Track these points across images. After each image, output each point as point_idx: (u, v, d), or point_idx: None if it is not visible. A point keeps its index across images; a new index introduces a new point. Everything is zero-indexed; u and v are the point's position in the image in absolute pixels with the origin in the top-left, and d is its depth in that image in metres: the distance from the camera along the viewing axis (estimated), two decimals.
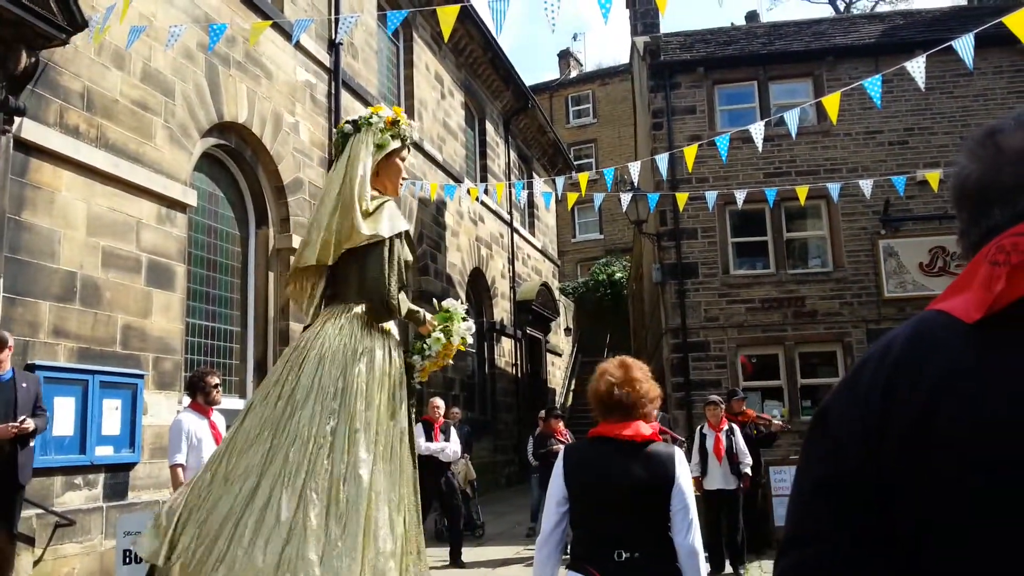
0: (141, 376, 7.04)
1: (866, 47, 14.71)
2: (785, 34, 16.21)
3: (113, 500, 6.74)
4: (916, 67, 6.53)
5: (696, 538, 2.77)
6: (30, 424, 5.49)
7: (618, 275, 28.76)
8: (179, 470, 5.86)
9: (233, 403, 8.45)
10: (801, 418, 13.49)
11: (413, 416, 3.51)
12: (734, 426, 8.81)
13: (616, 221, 30.81)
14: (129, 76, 7.19)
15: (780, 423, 10.01)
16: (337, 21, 10.14)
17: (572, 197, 10.83)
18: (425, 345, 3.44)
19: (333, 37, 10.48)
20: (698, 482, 8.25)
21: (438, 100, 14.27)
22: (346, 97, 10.80)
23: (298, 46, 9.54)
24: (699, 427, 9.05)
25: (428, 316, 3.55)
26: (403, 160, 3.84)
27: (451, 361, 3.59)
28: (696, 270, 14.22)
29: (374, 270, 3.48)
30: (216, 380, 6.15)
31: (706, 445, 8.60)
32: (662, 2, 5.93)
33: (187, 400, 6.64)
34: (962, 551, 0.79)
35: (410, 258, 3.66)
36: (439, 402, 10.00)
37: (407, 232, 3.65)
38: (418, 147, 13.10)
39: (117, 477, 6.83)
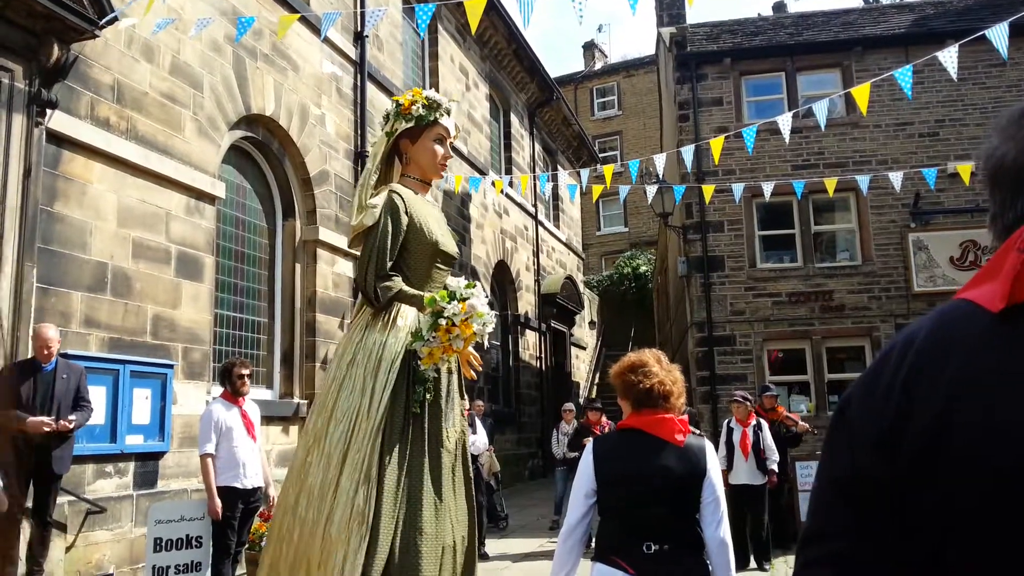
0: (171, 366, 7.12)
1: (895, 37, 14.50)
2: (813, 24, 16.02)
3: (143, 488, 6.83)
4: (948, 57, 6.43)
5: (726, 531, 2.76)
6: (69, 423, 5.56)
7: (643, 268, 28.65)
8: (208, 460, 5.94)
9: (261, 393, 8.54)
10: (828, 413, 13.36)
11: (419, 401, 3.40)
12: (762, 422, 8.76)
13: (641, 214, 30.68)
14: (158, 69, 7.25)
15: (805, 425, 9.92)
16: (363, 15, 10.16)
17: (597, 189, 10.79)
18: (420, 330, 3.34)
19: (359, 30, 10.51)
20: (724, 475, 8.22)
21: (463, 92, 14.27)
22: (371, 89, 10.83)
23: (325, 39, 9.58)
24: (726, 421, 9.01)
25: (426, 299, 3.42)
26: (441, 140, 3.71)
27: (474, 344, 3.39)
28: (722, 263, 14.12)
29: (360, 261, 3.53)
30: (245, 371, 6.21)
31: (732, 439, 8.56)
32: None
33: (217, 390, 6.71)
34: (982, 560, 0.77)
35: (434, 240, 3.58)
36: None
37: (420, 217, 3.56)
38: None
39: (147, 466, 6.92)
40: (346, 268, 9.94)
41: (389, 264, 3.47)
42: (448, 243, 3.70)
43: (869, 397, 0.88)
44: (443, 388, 3.52)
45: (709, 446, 2.84)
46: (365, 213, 3.50)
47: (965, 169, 9.72)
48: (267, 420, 8.29)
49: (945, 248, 13.20)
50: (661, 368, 2.85)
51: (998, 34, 6.78)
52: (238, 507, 6.05)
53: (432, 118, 3.64)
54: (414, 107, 3.63)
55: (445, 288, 3.43)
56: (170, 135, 7.32)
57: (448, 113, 3.73)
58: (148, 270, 6.99)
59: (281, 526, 3.35)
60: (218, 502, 5.90)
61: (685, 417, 2.97)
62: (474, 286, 3.34)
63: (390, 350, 3.39)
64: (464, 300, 3.26)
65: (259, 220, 9.05)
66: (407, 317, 3.51)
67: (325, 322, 9.42)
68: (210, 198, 7.75)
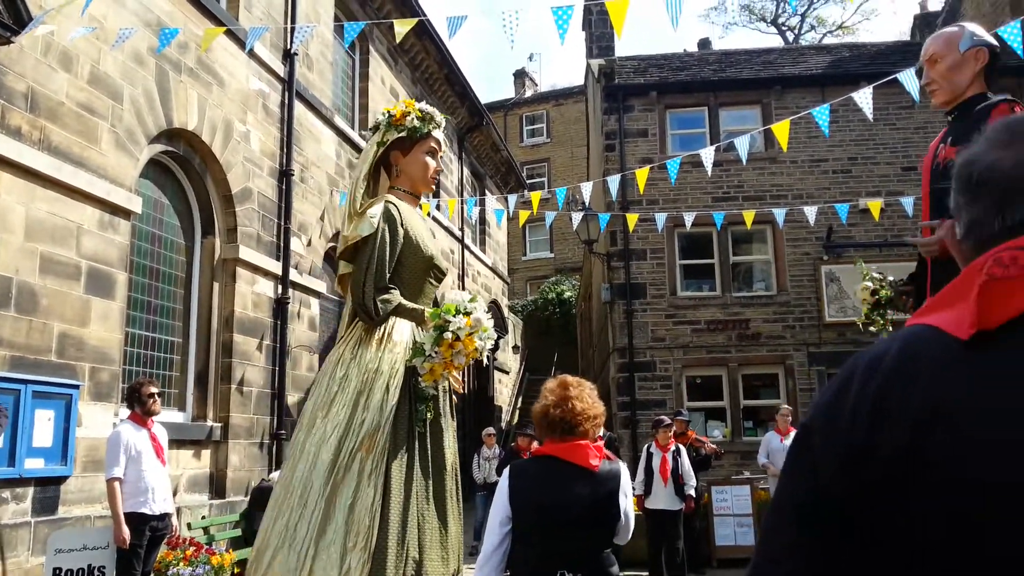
0: (77, 386, 6.82)
1: (813, 77, 15.12)
2: (736, 62, 16.57)
3: (42, 515, 6.50)
4: (864, 98, 6.72)
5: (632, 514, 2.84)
6: None
7: (567, 294, 28.91)
8: (116, 484, 5.69)
9: (172, 416, 8.26)
10: (743, 438, 13.69)
11: (423, 420, 3.24)
12: (681, 447, 8.90)
13: (567, 240, 31.01)
14: (76, 78, 7.02)
15: (713, 446, 10.14)
16: (292, 31, 10.05)
17: (524, 215, 10.89)
18: (423, 345, 3.19)
19: (288, 47, 10.39)
20: (640, 500, 8.30)
21: None
22: (299, 108, 10.71)
23: (252, 54, 9.43)
24: (646, 446, 9.12)
25: (429, 313, 3.28)
26: (433, 153, 3.63)
27: (474, 359, 3.24)
28: (644, 291, 14.38)
29: (355, 273, 3.38)
30: (153, 389, 6.00)
31: (652, 464, 8.66)
32: (618, 26, 6.01)
33: (124, 412, 6.46)
34: None
35: (429, 255, 3.49)
36: None
37: (414, 230, 3.46)
38: None
39: (47, 491, 6.59)
40: (267, 288, 9.74)
41: (387, 277, 3.35)
42: (441, 258, 3.63)
43: (833, 422, 0.87)
44: (441, 407, 3.40)
45: (624, 470, 2.87)
46: (361, 222, 3.36)
47: (875, 205, 10.15)
48: (178, 444, 8.01)
49: (855, 280, 13.70)
50: (577, 394, 2.87)
51: (909, 78, 7.13)
52: (145, 534, 5.82)
53: (425, 130, 3.58)
54: (407, 119, 3.56)
55: (434, 303, 3.34)
56: (86, 147, 7.07)
57: (440, 127, 3.68)
58: (56, 286, 6.71)
59: (273, 557, 3.08)
60: (125, 529, 5.65)
61: (601, 443, 3.00)
62: (476, 300, 3.23)
63: (387, 366, 3.26)
64: (469, 314, 3.14)
65: (177, 237, 8.80)
66: (403, 332, 3.39)
67: (243, 343, 9.19)
68: (125, 213, 7.50)
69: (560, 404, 2.82)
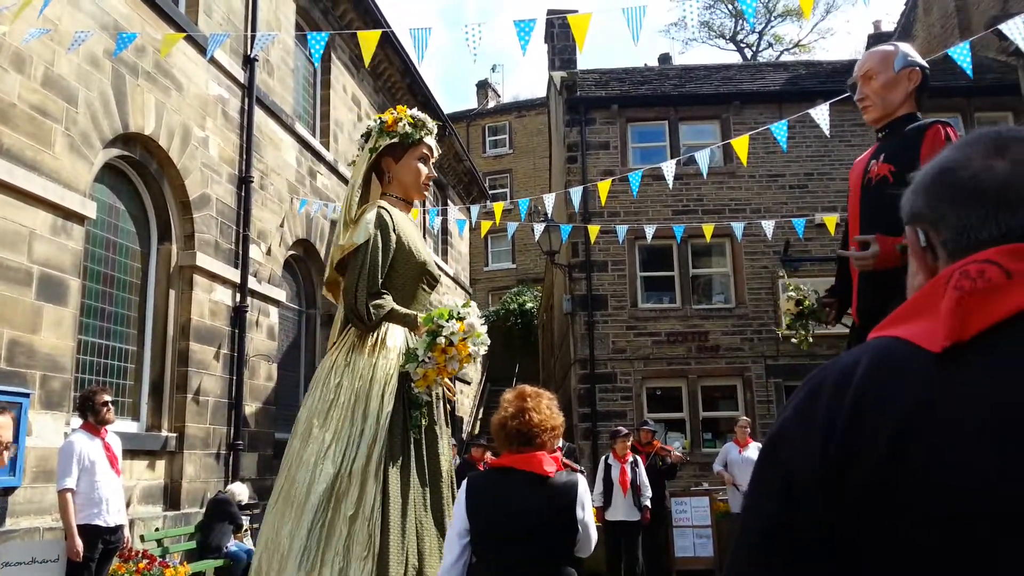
0: (27, 395, 6.64)
1: (771, 94, 15.39)
2: (695, 77, 16.80)
3: None
4: (820, 114, 6.86)
5: (594, 530, 2.82)
6: None
7: (529, 305, 28.95)
8: (68, 495, 5.54)
9: (126, 425, 8.08)
10: (702, 450, 13.80)
11: (417, 426, 3.24)
12: (638, 458, 8.94)
13: (528, 251, 31.07)
14: (29, 80, 6.87)
15: (679, 454, 10.22)
16: (253, 37, 9.96)
17: (486, 225, 10.90)
18: (415, 350, 3.17)
19: (248, 53, 10.30)
20: (599, 512, 8.32)
21: (355, 122, 14.16)
22: (259, 114, 10.60)
23: (212, 60, 9.32)
24: (604, 457, 9.15)
25: (422, 318, 3.27)
26: (425, 159, 3.63)
27: (467, 365, 3.21)
28: (605, 302, 14.46)
29: (348, 278, 3.37)
30: (107, 398, 5.86)
31: (611, 476, 8.69)
32: (580, 40, 6.06)
33: (76, 421, 6.31)
34: None
35: (422, 260, 3.49)
36: None
37: (407, 236, 3.47)
38: (332, 169, 12.96)
39: None
40: (224, 296, 9.60)
41: (379, 283, 3.34)
42: (433, 264, 3.62)
43: (806, 435, 0.85)
44: (435, 413, 3.38)
45: (582, 481, 2.86)
46: (355, 230, 3.37)
47: (831, 220, 10.35)
48: (132, 454, 7.84)
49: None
50: (534, 405, 2.86)
51: None
52: (98, 547, 5.66)
53: (417, 137, 3.58)
54: (399, 125, 3.56)
55: (427, 309, 3.33)
56: (39, 150, 6.92)
57: (432, 133, 3.67)
58: (6, 292, 6.54)
59: (279, 571, 3.04)
60: (78, 541, 5.50)
61: (558, 453, 2.99)
62: (470, 305, 3.22)
63: (382, 372, 3.24)
64: (462, 319, 3.12)
65: (132, 243, 8.64)
66: (396, 337, 3.38)
67: (199, 351, 9.04)
68: (79, 218, 7.35)
69: (517, 415, 2.81)
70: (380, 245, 3.35)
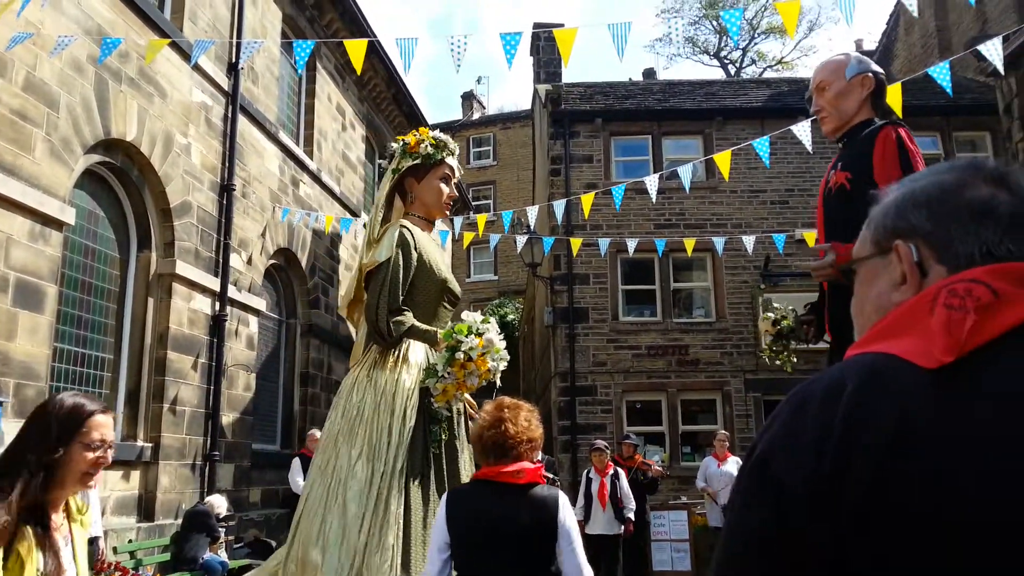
0: (0, 403, 6.55)
1: (753, 110, 15.52)
2: (679, 93, 16.92)
3: None
4: (802, 131, 6.92)
5: (586, 566, 2.76)
6: None
7: (510, 317, 28.93)
8: None
9: None
10: (681, 463, 13.82)
11: (437, 441, 3.31)
12: (619, 471, 8.94)
13: (511, 263, 31.08)
14: (10, 84, 6.80)
15: (659, 468, 10.23)
16: (239, 45, 9.93)
17: (468, 237, 10.89)
18: (435, 365, 3.25)
19: (233, 60, 10.25)
20: (581, 526, 8.31)
21: (339, 132, 14.13)
22: (243, 122, 10.55)
23: (196, 67, 9.27)
24: (585, 471, 9.14)
25: (442, 333, 3.34)
26: (447, 179, 3.73)
27: (489, 381, 3.30)
28: (587, 315, 14.48)
29: (370, 296, 3.47)
30: None
31: (591, 490, 8.68)
32: (565, 54, 6.09)
33: None
34: None
35: (443, 278, 3.59)
36: (318, 434, 9.72)
37: (428, 254, 3.56)
38: (315, 178, 12.91)
39: None
40: (204, 304, 9.52)
41: (400, 300, 3.45)
42: (454, 282, 3.72)
43: (795, 452, 0.84)
44: (456, 428, 3.44)
45: (562, 496, 2.84)
46: (377, 248, 3.50)
47: (811, 236, 10.42)
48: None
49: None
50: (511, 416, 2.84)
51: None
52: None
53: (439, 157, 3.68)
54: (421, 146, 3.67)
55: (448, 324, 3.41)
56: (17, 155, 6.85)
57: (453, 153, 3.78)
58: None
59: None
60: None
61: (539, 464, 2.97)
62: (489, 321, 3.29)
63: (403, 388, 3.31)
64: (481, 334, 3.19)
65: (111, 250, 8.55)
66: (417, 354, 3.46)
67: (177, 360, 8.95)
68: (58, 224, 7.26)
69: (494, 426, 2.80)
70: (401, 263, 3.45)
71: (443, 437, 3.34)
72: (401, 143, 3.73)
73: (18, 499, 1.91)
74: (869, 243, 1.02)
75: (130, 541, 7.81)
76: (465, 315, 3.31)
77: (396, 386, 3.32)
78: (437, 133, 3.79)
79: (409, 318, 3.43)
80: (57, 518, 2.04)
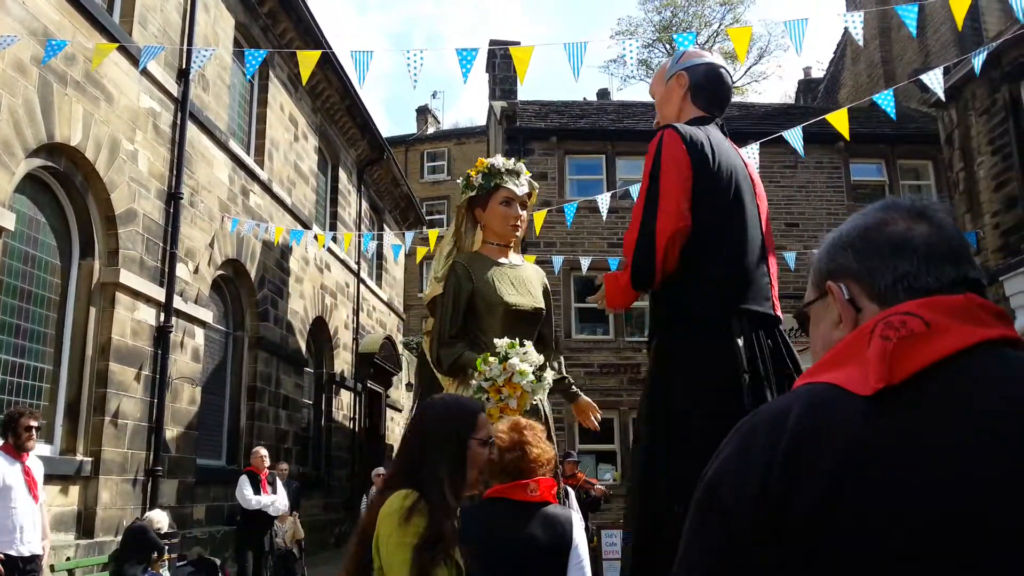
0: None
1: None
2: (633, 113, 17.12)
3: None
4: (751, 155, 7.04)
5: None
6: None
7: None
8: None
9: (39, 448, 7.68)
10: None
11: None
12: (568, 489, 8.90)
13: None
14: None
15: (602, 488, 10.23)
16: (190, 51, 9.76)
17: (421, 251, 10.85)
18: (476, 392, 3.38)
19: (183, 66, 10.08)
20: None
21: (291, 142, 13.97)
22: (193, 129, 10.36)
23: (144, 72, 9.08)
24: None
25: (477, 361, 3.49)
26: (509, 202, 3.82)
27: (534, 402, 3.44)
28: None
29: (432, 330, 3.73)
30: (33, 423, 5.56)
31: None
32: (521, 72, 6.12)
33: None
34: None
35: (504, 301, 3.66)
36: (263, 451, 9.54)
37: (489, 280, 3.70)
38: (266, 188, 12.73)
39: None
40: (148, 315, 9.29)
41: (452, 331, 3.60)
42: (521, 300, 3.74)
43: (743, 478, 0.88)
44: None
45: (576, 515, 2.82)
46: (436, 286, 3.75)
47: None
48: (44, 479, 7.45)
49: None
50: (532, 439, 2.80)
51: (794, 137, 7.53)
52: None
53: (493, 184, 3.79)
54: (474, 178, 3.84)
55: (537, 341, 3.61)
56: None
57: (514, 174, 3.86)
58: None
59: None
60: None
61: (552, 481, 2.92)
62: (515, 346, 3.37)
63: None
64: (506, 359, 3.31)
65: (52, 257, 8.29)
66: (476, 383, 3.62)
67: (119, 372, 8.70)
68: None
69: (513, 449, 2.75)
70: (451, 298, 3.64)
71: None
72: (464, 177, 3.93)
73: None
74: (811, 287, 1.08)
75: (68, 559, 7.53)
76: (496, 341, 3.41)
77: None
78: (494, 159, 3.91)
79: (458, 348, 3.57)
80: None
